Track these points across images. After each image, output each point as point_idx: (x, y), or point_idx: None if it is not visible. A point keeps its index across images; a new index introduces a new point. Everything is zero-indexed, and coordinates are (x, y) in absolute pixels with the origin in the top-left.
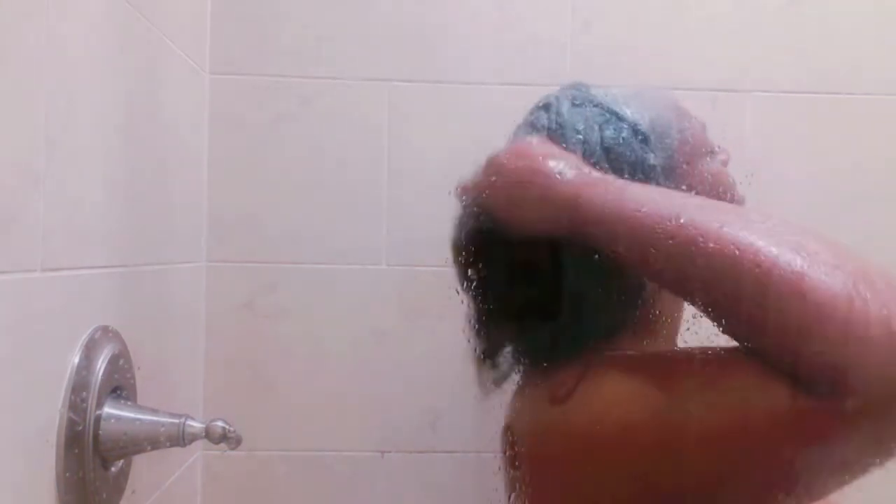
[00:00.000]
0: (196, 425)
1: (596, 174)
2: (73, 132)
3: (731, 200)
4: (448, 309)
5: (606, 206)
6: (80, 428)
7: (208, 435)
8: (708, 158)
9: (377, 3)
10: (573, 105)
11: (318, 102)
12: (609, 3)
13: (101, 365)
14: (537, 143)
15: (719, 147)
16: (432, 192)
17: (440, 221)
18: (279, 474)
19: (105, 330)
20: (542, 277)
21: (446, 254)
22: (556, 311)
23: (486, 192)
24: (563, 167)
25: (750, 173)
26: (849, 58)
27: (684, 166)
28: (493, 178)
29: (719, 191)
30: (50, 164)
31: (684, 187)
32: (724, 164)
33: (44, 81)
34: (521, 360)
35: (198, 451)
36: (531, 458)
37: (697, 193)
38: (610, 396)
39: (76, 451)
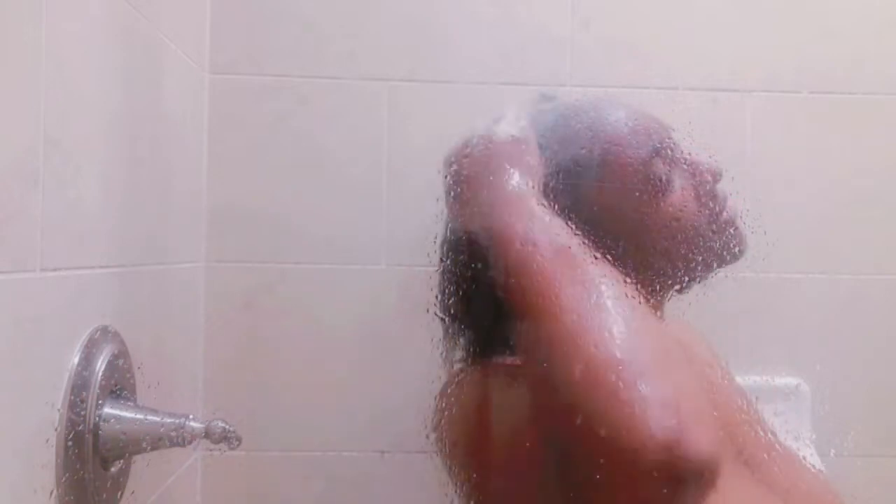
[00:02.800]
0: (196, 425)
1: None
2: (72, 132)
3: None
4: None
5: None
6: (80, 428)
7: (208, 435)
8: (659, 193)
9: (377, 3)
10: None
11: (318, 102)
12: (609, 3)
13: (100, 365)
14: (510, 143)
15: (707, 166)
16: (432, 192)
17: (440, 222)
18: (279, 474)
19: (105, 330)
20: (465, 278)
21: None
22: (459, 313)
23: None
24: (513, 176)
25: (750, 174)
26: (849, 57)
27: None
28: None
29: (662, 228)
30: (49, 163)
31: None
32: (708, 183)
33: (43, 81)
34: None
35: (198, 451)
36: None
37: (643, 227)
38: (452, 400)
39: (76, 451)
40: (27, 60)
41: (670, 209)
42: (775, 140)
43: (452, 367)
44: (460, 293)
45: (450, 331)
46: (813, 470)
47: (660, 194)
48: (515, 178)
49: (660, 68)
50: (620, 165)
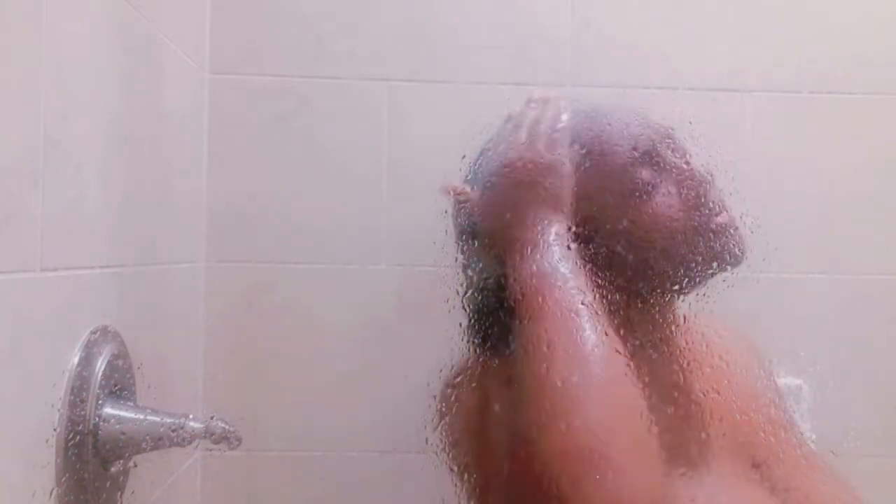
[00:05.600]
0: (196, 425)
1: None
2: (72, 132)
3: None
4: (448, 309)
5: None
6: (80, 428)
7: (208, 435)
8: (642, 196)
9: (378, 3)
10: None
11: (318, 102)
12: (609, 3)
13: (100, 365)
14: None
15: (695, 172)
16: (432, 193)
17: (440, 222)
18: (279, 474)
19: (105, 330)
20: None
21: (446, 254)
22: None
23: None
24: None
25: (750, 174)
26: (849, 57)
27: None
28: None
29: (646, 233)
30: (49, 163)
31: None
32: (693, 189)
33: (43, 81)
34: None
35: (198, 451)
36: None
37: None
38: (453, 399)
39: (76, 451)
40: (27, 60)
41: (655, 213)
42: (775, 140)
43: (452, 367)
44: (470, 291)
45: (465, 326)
46: (836, 477)
47: (643, 198)
48: (548, 218)
49: (660, 68)
50: (603, 168)
